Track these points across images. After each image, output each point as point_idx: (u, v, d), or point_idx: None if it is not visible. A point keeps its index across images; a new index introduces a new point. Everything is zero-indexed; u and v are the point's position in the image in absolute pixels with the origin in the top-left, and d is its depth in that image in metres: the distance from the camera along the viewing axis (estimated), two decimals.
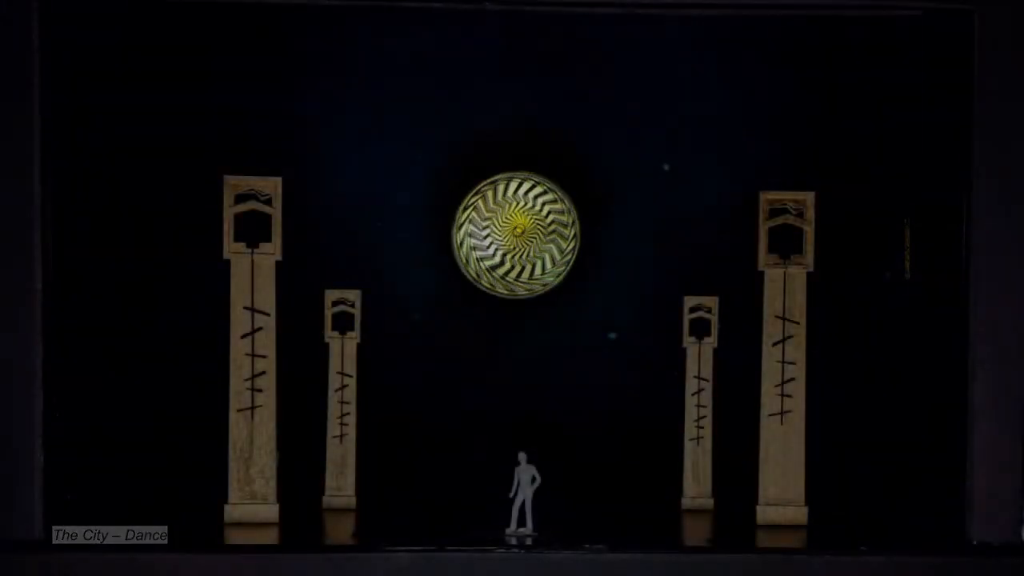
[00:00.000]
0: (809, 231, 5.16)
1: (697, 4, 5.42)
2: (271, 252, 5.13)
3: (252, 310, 5.06)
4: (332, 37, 6.29)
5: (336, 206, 6.25)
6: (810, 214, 5.17)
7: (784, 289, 5.12)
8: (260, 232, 5.16)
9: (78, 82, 5.43)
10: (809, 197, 5.22)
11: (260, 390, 5.10)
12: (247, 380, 5.11)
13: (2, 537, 4.71)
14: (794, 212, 5.14)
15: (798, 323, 5.11)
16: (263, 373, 5.11)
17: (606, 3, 5.47)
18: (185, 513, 5.19)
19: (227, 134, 5.96)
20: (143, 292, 5.55)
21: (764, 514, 5.12)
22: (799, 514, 5.10)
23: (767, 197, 5.21)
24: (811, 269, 5.16)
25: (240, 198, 5.19)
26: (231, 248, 5.13)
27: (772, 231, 5.21)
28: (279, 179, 5.41)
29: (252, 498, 5.12)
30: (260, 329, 5.09)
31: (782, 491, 5.09)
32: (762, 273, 5.20)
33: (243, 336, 5.11)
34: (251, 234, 5.15)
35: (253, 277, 5.12)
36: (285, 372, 5.43)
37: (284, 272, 5.49)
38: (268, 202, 5.25)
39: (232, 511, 5.12)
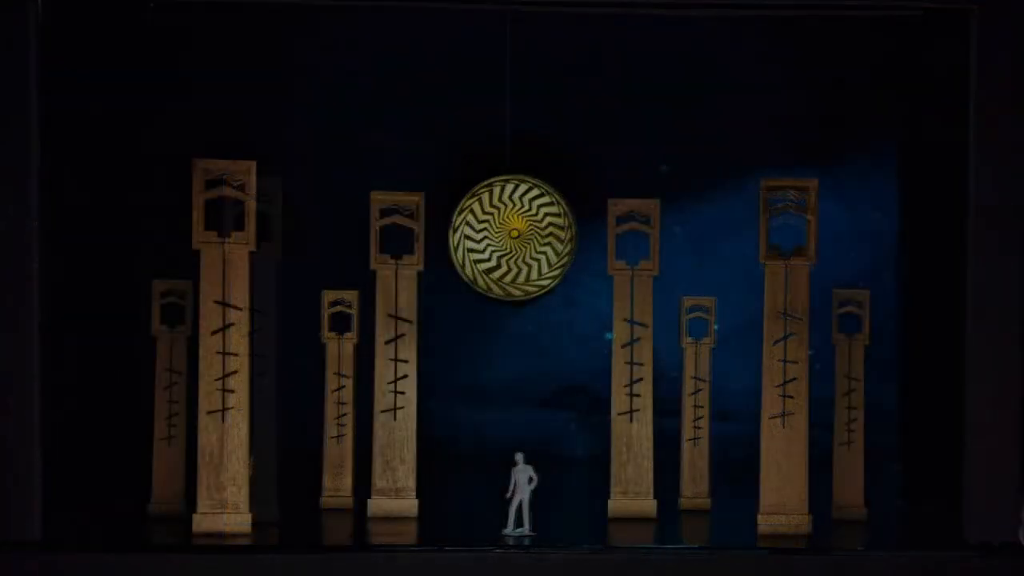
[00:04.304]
0: (812, 220, 5.06)
1: (697, 4, 5.42)
2: (245, 242, 4.89)
3: (223, 304, 4.89)
4: (332, 37, 6.29)
5: (335, 206, 6.26)
6: (813, 201, 5.03)
7: (786, 284, 5.00)
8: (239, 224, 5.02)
9: (77, 84, 5.42)
10: (813, 184, 5.04)
11: (231, 391, 4.90)
12: (217, 380, 4.89)
13: (1, 537, 4.69)
14: (795, 200, 5.03)
15: (800, 320, 5.01)
16: (235, 372, 4.90)
17: (606, 3, 5.47)
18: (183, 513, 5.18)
19: (226, 134, 5.97)
20: (140, 290, 5.52)
21: (766, 522, 4.99)
22: (802, 522, 4.99)
23: (767, 184, 5.06)
24: (814, 262, 5.02)
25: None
26: (201, 237, 4.89)
27: (772, 221, 5.04)
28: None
29: (222, 507, 4.88)
30: (231, 325, 4.89)
31: (784, 498, 4.99)
32: (762, 267, 5.06)
33: (213, 333, 4.90)
34: (228, 226, 5.00)
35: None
36: (285, 372, 5.44)
37: (283, 272, 5.48)
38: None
39: (200, 521, 4.87)
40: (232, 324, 4.90)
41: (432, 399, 6.01)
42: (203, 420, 4.89)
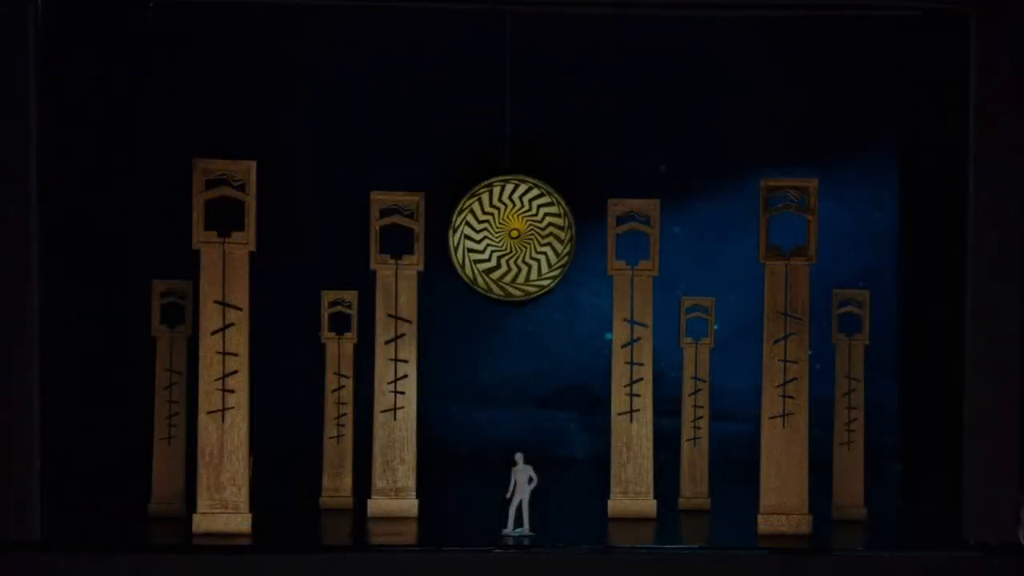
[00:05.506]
0: (812, 220, 5.04)
1: (697, 4, 5.42)
2: (244, 242, 4.88)
3: (224, 304, 4.87)
4: (332, 37, 6.30)
5: (335, 206, 6.26)
6: (813, 201, 4.99)
7: (786, 284, 4.98)
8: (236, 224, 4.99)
9: (77, 84, 5.43)
10: (813, 184, 5.00)
11: (231, 391, 4.87)
12: (217, 380, 4.86)
13: (0, 537, 4.69)
14: (795, 200, 5.00)
15: (800, 319, 4.97)
16: (235, 372, 4.88)
17: (606, 3, 5.47)
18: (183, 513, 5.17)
19: (226, 134, 5.97)
20: (140, 290, 5.51)
21: (766, 522, 4.96)
22: (802, 522, 4.96)
23: (767, 184, 5.04)
24: (814, 262, 4.98)
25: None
26: (201, 237, 4.88)
27: (772, 221, 4.99)
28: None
29: (223, 507, 4.86)
30: (231, 325, 4.86)
31: (783, 498, 4.96)
32: (762, 267, 4.99)
33: (213, 333, 4.88)
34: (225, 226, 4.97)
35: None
36: (283, 372, 5.43)
37: (282, 272, 5.49)
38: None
39: (200, 521, 4.85)
40: (232, 324, 4.87)
41: (432, 399, 6.00)
42: (203, 420, 4.86)
